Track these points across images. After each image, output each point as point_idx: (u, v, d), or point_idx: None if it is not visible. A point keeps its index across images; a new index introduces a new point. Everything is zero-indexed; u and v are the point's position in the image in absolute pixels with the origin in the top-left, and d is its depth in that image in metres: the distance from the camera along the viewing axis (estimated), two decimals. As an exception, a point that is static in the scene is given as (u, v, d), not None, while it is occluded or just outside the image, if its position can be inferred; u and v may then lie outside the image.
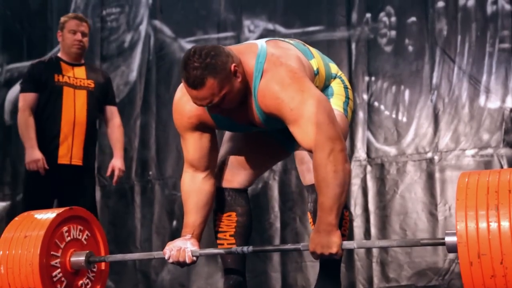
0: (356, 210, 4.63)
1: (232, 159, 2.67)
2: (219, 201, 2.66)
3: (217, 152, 2.61)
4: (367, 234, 4.57)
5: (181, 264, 2.54)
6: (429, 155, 4.55)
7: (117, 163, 4.20)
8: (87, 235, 2.82)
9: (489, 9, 4.52)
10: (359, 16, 4.77)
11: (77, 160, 4.08)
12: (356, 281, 4.58)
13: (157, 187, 5.15)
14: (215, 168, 2.62)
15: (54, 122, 4.05)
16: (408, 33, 4.67)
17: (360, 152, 4.67)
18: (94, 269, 2.84)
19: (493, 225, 2.03)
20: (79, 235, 2.79)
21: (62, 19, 4.25)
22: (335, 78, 2.66)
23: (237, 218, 2.65)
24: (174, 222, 5.05)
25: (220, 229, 2.65)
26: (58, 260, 2.70)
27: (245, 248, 2.51)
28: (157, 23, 5.31)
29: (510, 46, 4.45)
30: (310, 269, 4.62)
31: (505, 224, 2.01)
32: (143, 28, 5.33)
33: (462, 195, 2.11)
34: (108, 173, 4.23)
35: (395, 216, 4.55)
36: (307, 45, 2.65)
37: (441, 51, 4.58)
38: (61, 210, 2.76)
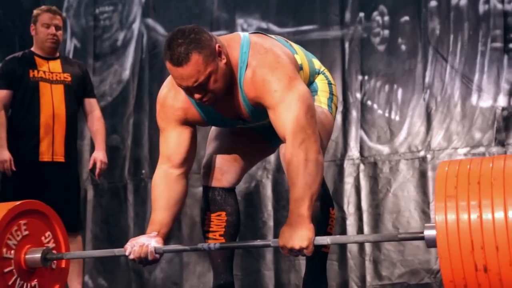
0: (349, 208, 4.64)
1: (220, 157, 2.64)
2: (208, 200, 2.62)
3: (194, 152, 2.56)
4: (360, 233, 4.58)
5: (142, 261, 2.42)
6: (422, 153, 4.56)
7: (99, 155, 4.10)
8: (46, 231, 2.64)
9: (481, 8, 4.54)
10: (352, 15, 4.79)
11: (59, 157, 4.00)
12: (349, 279, 4.60)
13: (150, 186, 5.13)
14: (189, 169, 2.56)
15: (33, 119, 3.96)
16: (401, 32, 4.68)
17: (353, 151, 4.68)
18: (54, 267, 2.65)
19: (474, 216, 1.90)
20: (37, 230, 2.60)
21: (35, 12, 4.14)
22: (318, 73, 2.64)
23: (227, 218, 2.61)
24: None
25: (209, 229, 2.62)
26: (11, 257, 2.50)
27: (211, 245, 2.42)
28: (150, 21, 5.30)
29: (502, 45, 4.47)
30: (303, 268, 4.62)
31: (487, 215, 1.90)
32: (136, 26, 5.32)
33: (442, 185, 1.98)
34: (90, 166, 4.15)
35: (388, 215, 4.56)
36: (289, 41, 2.63)
37: (434, 50, 4.60)
38: (17, 202, 2.56)
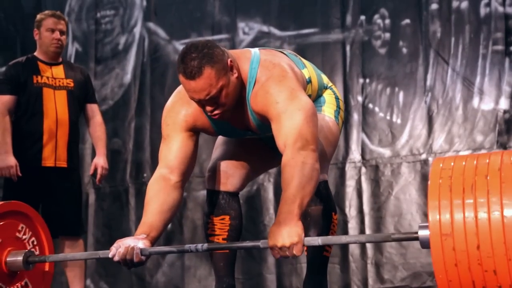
0: (351, 211, 4.64)
1: (226, 162, 2.66)
2: (212, 204, 2.63)
3: (194, 162, 2.55)
4: (361, 236, 4.59)
5: (127, 263, 2.35)
6: (423, 156, 4.56)
7: (99, 161, 4.10)
8: (28, 233, 2.55)
9: (483, 11, 4.54)
10: (353, 18, 4.79)
11: (62, 162, 4.00)
12: (351, 282, 4.59)
13: (152, 189, 5.14)
14: (187, 180, 2.56)
15: (36, 124, 3.96)
16: (402, 35, 4.69)
17: (355, 154, 4.68)
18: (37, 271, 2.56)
19: (469, 215, 1.81)
20: (18, 233, 2.52)
21: (39, 16, 4.12)
22: (326, 88, 2.70)
23: (230, 222, 2.62)
24: (169, 224, 5.05)
25: (213, 233, 2.63)
26: None
27: (199, 246, 2.37)
28: (152, 25, 5.31)
29: (503, 48, 4.48)
30: (305, 271, 4.63)
31: (483, 213, 1.81)
32: (137, 30, 5.33)
33: (435, 182, 1.89)
34: (91, 172, 4.15)
35: (390, 218, 4.56)
36: (298, 56, 2.68)
37: (435, 53, 4.60)
38: None
